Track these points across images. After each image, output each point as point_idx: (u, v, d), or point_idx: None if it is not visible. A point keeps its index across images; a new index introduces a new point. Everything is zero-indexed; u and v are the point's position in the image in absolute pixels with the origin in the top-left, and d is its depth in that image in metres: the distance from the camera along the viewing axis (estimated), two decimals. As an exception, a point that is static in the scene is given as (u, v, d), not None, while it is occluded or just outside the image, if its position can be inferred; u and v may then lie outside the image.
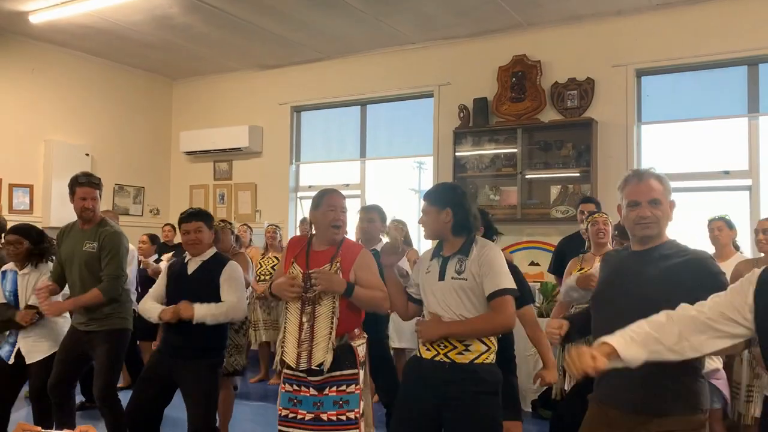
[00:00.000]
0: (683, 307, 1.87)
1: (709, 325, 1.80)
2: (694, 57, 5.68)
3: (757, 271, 1.78)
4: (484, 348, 2.66)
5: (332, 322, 2.86)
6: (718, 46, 5.57)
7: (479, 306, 2.66)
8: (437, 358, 2.67)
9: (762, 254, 4.07)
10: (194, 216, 3.51)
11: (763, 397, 3.77)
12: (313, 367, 2.85)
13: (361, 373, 2.96)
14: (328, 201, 2.99)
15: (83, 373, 4.06)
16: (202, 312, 3.30)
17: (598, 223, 4.08)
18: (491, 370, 2.66)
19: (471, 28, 6.43)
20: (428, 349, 2.70)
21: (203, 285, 3.41)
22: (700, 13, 5.64)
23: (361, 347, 2.99)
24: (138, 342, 5.68)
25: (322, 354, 2.84)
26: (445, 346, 2.66)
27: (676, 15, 5.74)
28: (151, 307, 3.45)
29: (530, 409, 5.15)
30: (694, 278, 2.10)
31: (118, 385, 5.62)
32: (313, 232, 3.08)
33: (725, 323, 1.78)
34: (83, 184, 3.77)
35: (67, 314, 4.08)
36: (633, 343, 1.82)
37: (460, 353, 2.64)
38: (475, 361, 2.63)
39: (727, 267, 3.44)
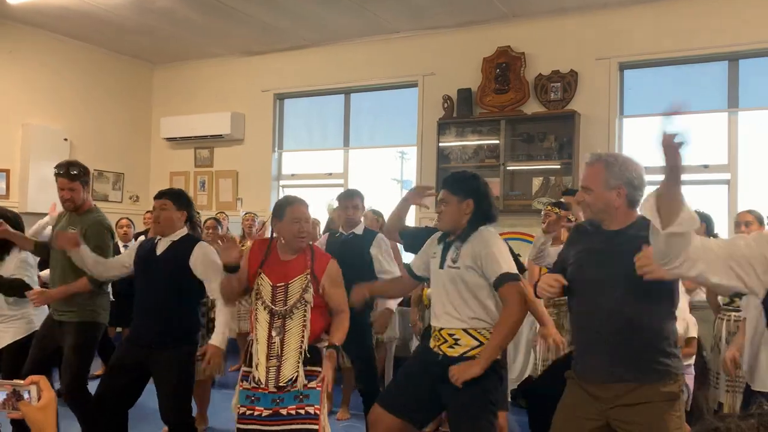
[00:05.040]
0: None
1: (731, 267, 1.72)
2: (676, 52, 5.73)
3: None
4: (475, 343, 2.66)
5: (303, 335, 2.82)
6: (699, 42, 5.62)
7: (473, 294, 2.65)
8: (434, 348, 2.73)
9: None
10: (162, 194, 3.43)
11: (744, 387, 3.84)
12: (280, 384, 2.79)
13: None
14: (291, 213, 2.88)
15: (58, 362, 4.01)
16: (221, 334, 3.20)
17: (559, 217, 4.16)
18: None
19: (456, 19, 6.41)
20: (431, 338, 2.77)
21: (172, 266, 3.28)
22: (683, 8, 5.69)
23: (324, 343, 2.94)
24: (120, 329, 5.62)
25: (291, 370, 2.78)
26: (438, 339, 2.70)
27: (659, 10, 5.77)
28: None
29: (510, 399, 5.20)
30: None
31: (96, 372, 5.61)
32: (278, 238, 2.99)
33: (746, 270, 1.72)
34: (60, 175, 3.70)
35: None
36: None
37: (450, 347, 2.67)
38: (466, 355, 2.65)
39: None
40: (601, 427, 2.27)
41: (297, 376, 2.79)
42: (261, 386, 2.84)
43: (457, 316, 2.66)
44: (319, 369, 2.83)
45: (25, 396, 1.34)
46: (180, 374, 3.23)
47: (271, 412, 2.80)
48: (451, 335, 2.66)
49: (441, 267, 2.72)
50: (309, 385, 2.80)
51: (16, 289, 3.86)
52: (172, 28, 7.02)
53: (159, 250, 3.36)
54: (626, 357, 2.21)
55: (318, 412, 2.79)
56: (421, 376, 2.74)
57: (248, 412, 2.86)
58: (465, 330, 2.65)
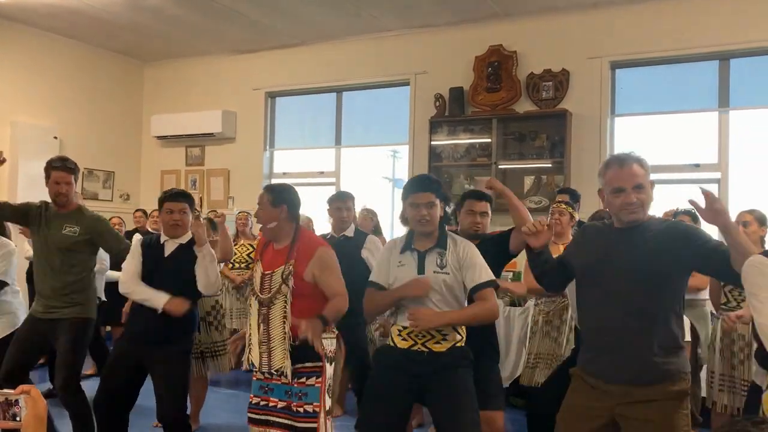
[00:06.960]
0: None
1: None
2: (667, 51, 5.75)
3: None
4: (459, 337, 2.71)
5: (285, 326, 2.82)
6: (690, 41, 5.64)
7: (459, 299, 2.70)
8: (414, 348, 2.67)
9: None
10: (181, 196, 3.43)
11: (746, 388, 3.85)
12: (272, 371, 2.85)
13: (328, 367, 2.87)
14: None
15: (46, 362, 3.98)
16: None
17: (554, 213, 4.18)
18: (465, 350, 2.71)
19: (448, 17, 6.41)
20: (404, 339, 2.70)
21: (180, 269, 3.31)
22: (675, 7, 5.71)
23: (327, 341, 2.90)
24: (110, 328, 5.58)
25: (280, 359, 2.82)
26: (423, 336, 2.66)
27: (651, 9, 5.79)
28: (151, 294, 3.27)
29: (501, 397, 5.20)
30: (681, 240, 2.24)
31: (87, 372, 5.57)
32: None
33: None
34: (57, 168, 3.67)
35: (22, 299, 4.00)
36: None
37: (437, 342, 2.66)
38: (453, 347, 2.68)
39: None
40: (606, 425, 2.29)
41: (285, 369, 2.80)
42: (256, 370, 2.90)
43: None
44: (319, 365, 2.83)
45: (16, 405, 1.31)
46: (177, 371, 3.28)
47: (285, 404, 2.84)
48: (439, 331, 2.65)
49: (421, 273, 2.69)
50: (307, 383, 2.81)
51: None
52: (163, 26, 6.97)
53: (167, 252, 3.39)
54: (639, 357, 2.23)
55: (317, 410, 2.79)
56: (398, 385, 2.68)
57: (262, 403, 2.91)
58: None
